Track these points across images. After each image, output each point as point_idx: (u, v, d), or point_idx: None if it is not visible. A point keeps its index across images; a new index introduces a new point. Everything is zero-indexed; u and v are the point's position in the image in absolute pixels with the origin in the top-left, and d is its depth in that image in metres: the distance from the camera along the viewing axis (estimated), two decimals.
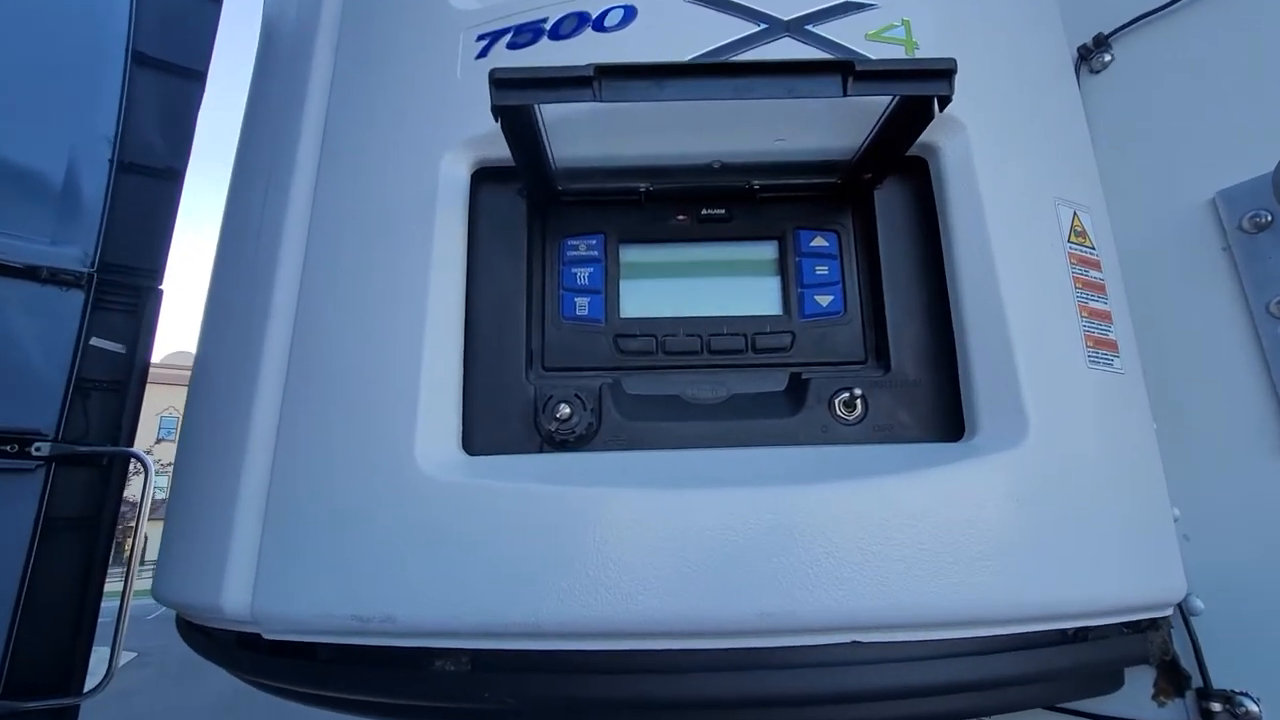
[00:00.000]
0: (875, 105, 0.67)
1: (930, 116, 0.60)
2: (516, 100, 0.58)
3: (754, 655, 0.57)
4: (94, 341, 1.09)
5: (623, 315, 0.77)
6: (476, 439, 0.70)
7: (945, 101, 0.58)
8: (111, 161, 1.13)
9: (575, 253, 0.79)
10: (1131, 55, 0.85)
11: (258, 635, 0.68)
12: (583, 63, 0.57)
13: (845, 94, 0.57)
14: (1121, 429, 0.69)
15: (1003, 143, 0.73)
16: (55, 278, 1.05)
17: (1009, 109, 0.76)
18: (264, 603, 0.65)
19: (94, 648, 1.11)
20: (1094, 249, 0.75)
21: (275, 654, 0.70)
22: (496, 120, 0.59)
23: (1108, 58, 0.85)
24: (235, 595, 0.67)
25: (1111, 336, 0.71)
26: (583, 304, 0.77)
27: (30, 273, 1.03)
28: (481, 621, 0.58)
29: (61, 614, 1.06)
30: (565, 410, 0.68)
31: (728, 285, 0.79)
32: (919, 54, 0.73)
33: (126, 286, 1.14)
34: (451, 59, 0.78)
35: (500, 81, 0.57)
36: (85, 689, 1.07)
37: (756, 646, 0.57)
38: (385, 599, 0.60)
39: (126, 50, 1.17)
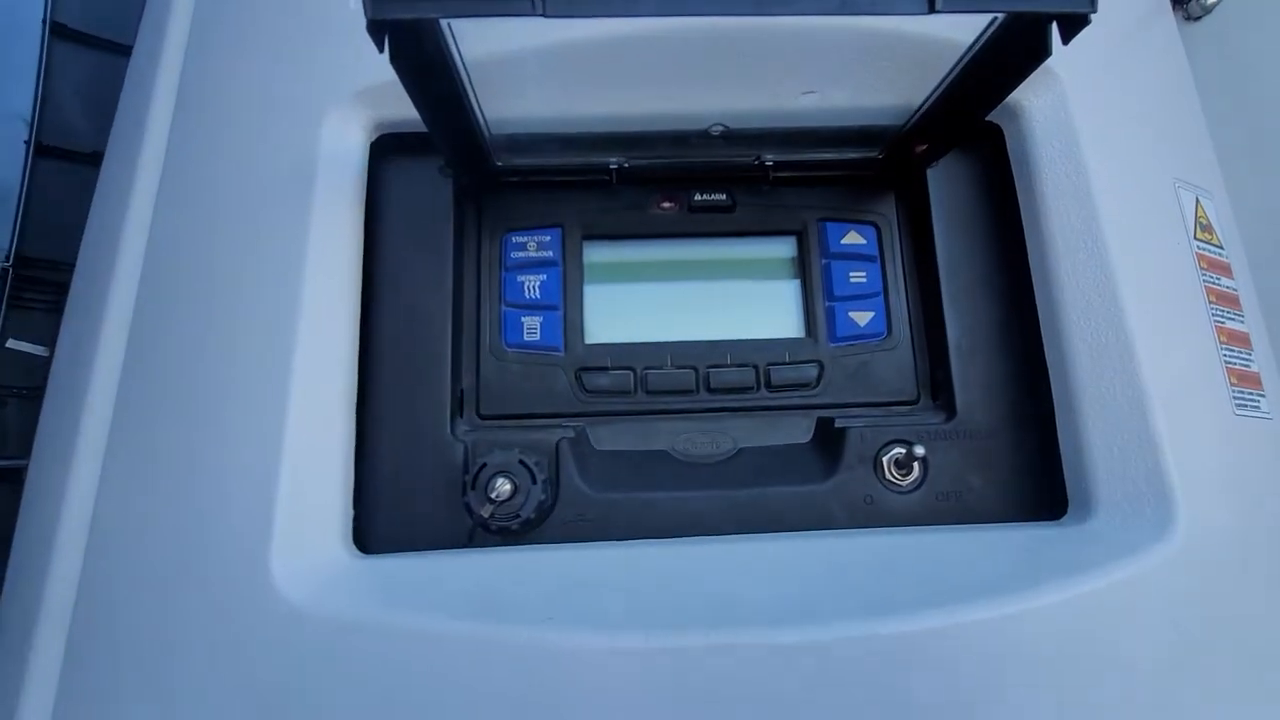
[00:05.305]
0: (944, 43, 0.47)
1: (1045, 52, 0.40)
2: (409, 11, 0.36)
3: None
4: (10, 344, 1.00)
5: (588, 341, 0.56)
6: (376, 528, 0.49)
7: (1079, 26, 0.38)
8: (28, 144, 1.02)
9: (522, 253, 0.57)
10: None
11: None
12: None
13: (932, 9, 0.36)
14: None
15: (1106, 104, 0.54)
16: None
17: (1108, 60, 0.56)
18: None
19: None
20: (1222, 248, 0.56)
21: None
22: (380, 49, 0.37)
23: (1210, 0, 0.66)
24: None
25: (1254, 369, 0.53)
26: (533, 326, 0.56)
27: None
28: None
29: None
30: (505, 487, 0.47)
31: (731, 298, 0.58)
32: None
33: (48, 283, 1.02)
34: None
35: None
36: None
37: None
38: None
39: (44, 21, 1.05)
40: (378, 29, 0.36)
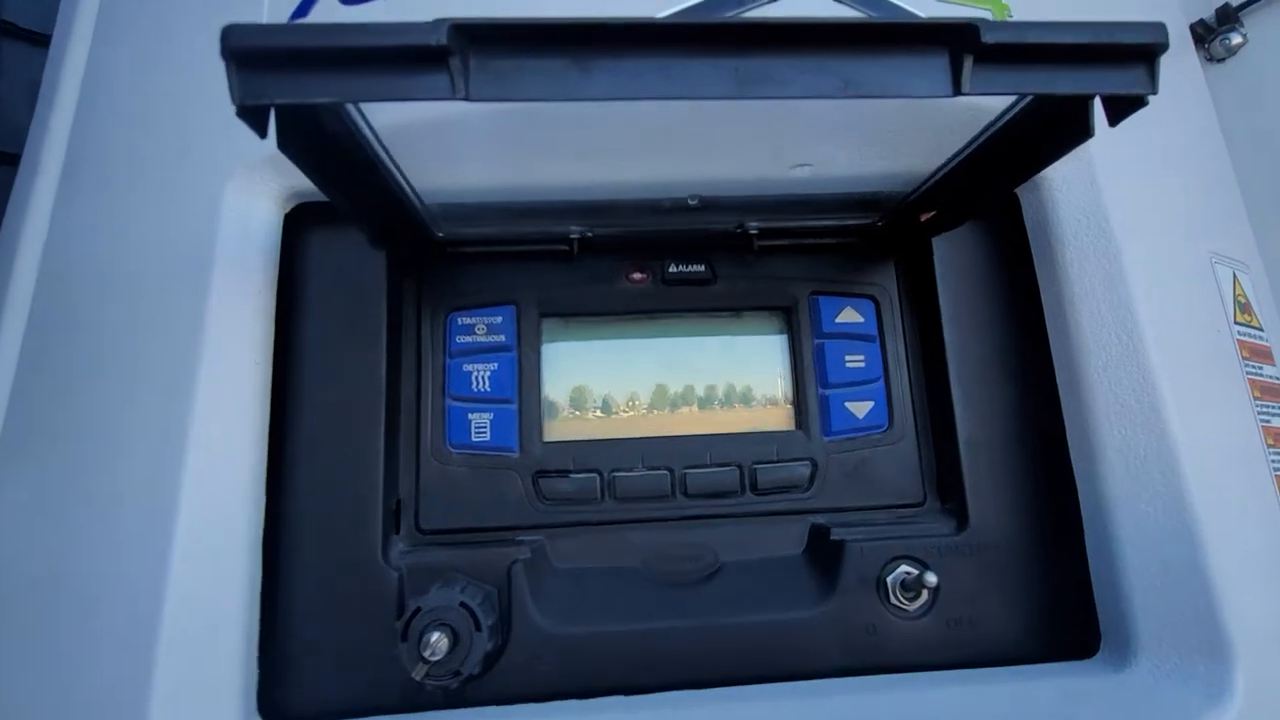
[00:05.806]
0: (965, 108, 0.40)
1: (1086, 133, 0.33)
2: (293, 94, 0.28)
3: None
4: None
5: (547, 439, 0.48)
6: (286, 691, 0.41)
7: (1132, 107, 0.31)
8: None
9: (470, 337, 0.50)
10: (1271, 34, 0.60)
11: None
12: (459, 16, 0.27)
13: (958, 91, 0.29)
14: None
15: (1135, 170, 0.47)
16: None
17: (1135, 119, 0.49)
18: None
19: None
20: (1262, 331, 0.49)
21: None
22: (261, 134, 0.29)
23: (1236, 39, 0.60)
24: None
25: None
26: (482, 423, 0.48)
27: None
28: None
29: None
30: (441, 643, 0.39)
31: (711, 385, 0.51)
32: (1013, 18, 0.46)
33: None
34: (254, 19, 0.47)
35: (249, 55, 0.27)
36: None
37: None
38: None
39: None
40: (253, 115, 0.28)
